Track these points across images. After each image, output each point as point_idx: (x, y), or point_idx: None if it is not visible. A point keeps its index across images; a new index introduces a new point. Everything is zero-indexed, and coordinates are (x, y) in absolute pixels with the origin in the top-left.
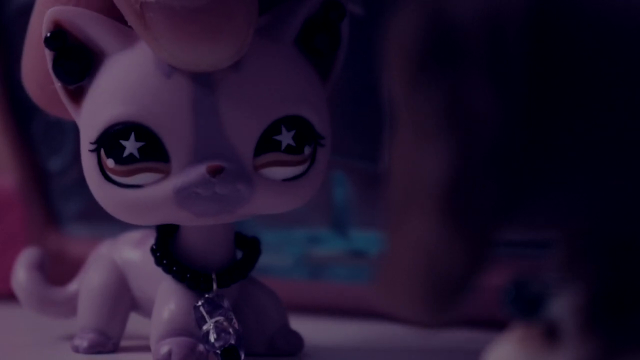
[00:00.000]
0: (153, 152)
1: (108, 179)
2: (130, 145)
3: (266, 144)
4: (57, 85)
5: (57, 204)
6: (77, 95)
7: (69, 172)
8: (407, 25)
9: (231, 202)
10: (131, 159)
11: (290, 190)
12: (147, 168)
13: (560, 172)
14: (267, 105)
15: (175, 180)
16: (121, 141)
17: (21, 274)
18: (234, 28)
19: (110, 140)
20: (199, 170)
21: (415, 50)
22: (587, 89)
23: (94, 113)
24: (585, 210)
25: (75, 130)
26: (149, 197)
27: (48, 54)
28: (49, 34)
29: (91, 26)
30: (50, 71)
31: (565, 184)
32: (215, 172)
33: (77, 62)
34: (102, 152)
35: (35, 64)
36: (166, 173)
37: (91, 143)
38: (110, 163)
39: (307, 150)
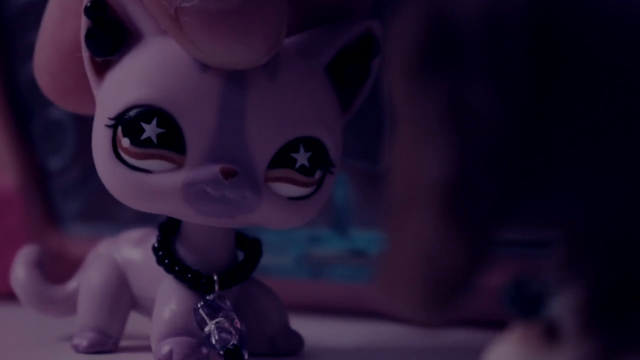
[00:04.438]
0: (171, 142)
1: (119, 157)
2: (150, 130)
3: (282, 158)
4: (85, 55)
5: (57, 203)
6: (103, 68)
7: (69, 171)
8: (407, 25)
9: (236, 208)
10: (148, 143)
11: (293, 209)
12: (162, 155)
13: (561, 171)
14: (292, 121)
15: (187, 174)
16: (142, 123)
17: (20, 271)
18: (267, 26)
19: (130, 119)
20: (213, 170)
21: (416, 50)
22: (587, 88)
23: (119, 89)
24: (585, 210)
25: (75, 129)
26: (156, 184)
27: (84, 23)
28: (89, 3)
29: (133, 4)
30: (82, 40)
31: (565, 183)
32: (228, 175)
33: (111, 35)
34: (119, 130)
35: (50, 54)
36: (178, 165)
37: (110, 118)
38: (125, 142)
39: (317, 174)
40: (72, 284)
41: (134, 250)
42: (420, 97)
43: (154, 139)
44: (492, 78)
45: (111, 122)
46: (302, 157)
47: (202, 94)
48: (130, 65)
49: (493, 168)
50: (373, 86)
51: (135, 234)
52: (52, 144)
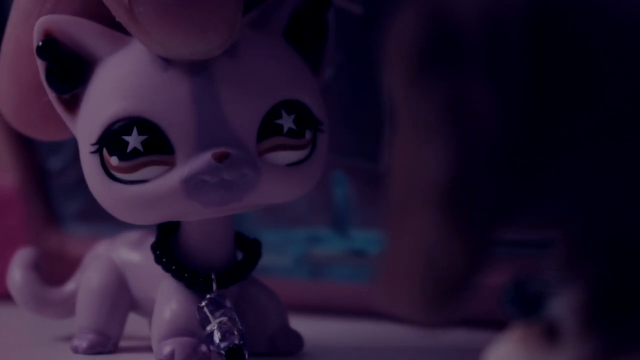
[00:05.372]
0: (157, 145)
1: (112, 177)
2: (134, 140)
3: (268, 128)
4: (51, 96)
5: (57, 203)
6: (72, 104)
7: (68, 171)
8: (407, 25)
9: (238, 189)
10: (135, 153)
11: (295, 176)
12: (152, 161)
13: (560, 171)
14: (265, 90)
15: (182, 170)
16: (124, 137)
17: (17, 274)
18: (223, 15)
19: (112, 137)
20: (205, 158)
21: (416, 49)
22: (587, 88)
23: (92, 115)
24: (585, 209)
25: None
26: (155, 190)
27: (40, 64)
28: (40, 43)
29: (82, 33)
30: (44, 82)
31: (565, 183)
32: (221, 158)
33: (69, 70)
34: (105, 151)
35: (10, 91)
36: (171, 165)
37: (92, 144)
38: (114, 161)
39: (308, 134)
40: (69, 286)
41: (132, 251)
42: (420, 97)
43: (140, 148)
44: (492, 78)
45: (95, 148)
46: (287, 121)
47: (171, 90)
48: (95, 91)
49: (493, 168)
50: (373, 86)
51: (133, 235)
52: (52, 144)
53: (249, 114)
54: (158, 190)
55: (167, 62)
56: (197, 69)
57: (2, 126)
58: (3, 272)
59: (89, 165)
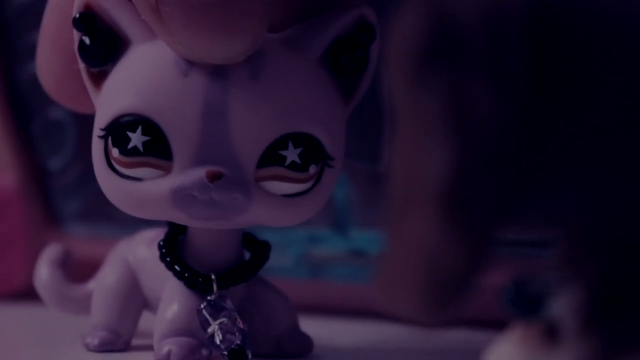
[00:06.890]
0: (157, 148)
1: (111, 167)
2: (136, 138)
3: (271, 157)
4: (81, 67)
5: (57, 203)
6: (99, 78)
7: (69, 170)
8: (408, 25)
9: (227, 210)
10: (135, 151)
11: (290, 207)
12: (149, 163)
13: (561, 171)
14: (278, 119)
15: (174, 180)
16: (128, 132)
17: (43, 270)
18: (248, 21)
19: (117, 129)
20: (198, 174)
21: (416, 49)
22: (588, 88)
23: (108, 100)
24: (586, 209)
25: (75, 129)
26: (146, 191)
27: (75, 35)
28: (78, 15)
29: (120, 12)
30: (76, 52)
31: (565, 183)
32: (213, 178)
33: (102, 46)
34: (109, 140)
35: (52, 61)
36: (167, 171)
37: (101, 129)
38: (115, 152)
39: (312, 169)
40: (92, 284)
41: (145, 250)
42: (420, 97)
43: (140, 147)
44: (493, 78)
45: (102, 133)
46: (291, 154)
47: (184, 99)
48: (117, 75)
49: (493, 168)
50: (373, 86)
51: (149, 234)
52: (52, 144)
53: (254, 139)
54: (148, 193)
55: (189, 66)
56: (215, 82)
57: (2, 126)
58: (3, 272)
59: (96, 146)
